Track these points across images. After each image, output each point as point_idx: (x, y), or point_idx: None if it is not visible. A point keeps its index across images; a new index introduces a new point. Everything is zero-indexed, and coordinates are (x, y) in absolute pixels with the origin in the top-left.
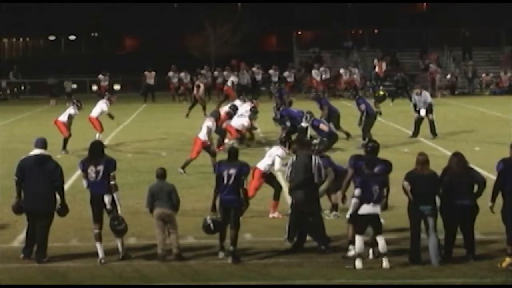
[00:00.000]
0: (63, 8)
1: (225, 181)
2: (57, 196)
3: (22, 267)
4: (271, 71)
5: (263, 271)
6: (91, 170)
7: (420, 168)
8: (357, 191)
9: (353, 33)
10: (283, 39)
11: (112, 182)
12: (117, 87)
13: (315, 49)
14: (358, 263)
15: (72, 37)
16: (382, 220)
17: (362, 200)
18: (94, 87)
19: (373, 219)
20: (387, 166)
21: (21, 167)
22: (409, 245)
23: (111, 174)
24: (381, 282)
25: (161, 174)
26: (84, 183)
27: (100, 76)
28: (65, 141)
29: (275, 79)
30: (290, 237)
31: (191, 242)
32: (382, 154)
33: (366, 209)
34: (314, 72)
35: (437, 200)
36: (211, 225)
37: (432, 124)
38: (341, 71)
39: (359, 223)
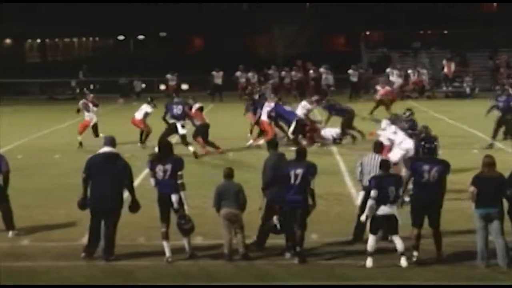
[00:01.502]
0: (132, 8)
1: (292, 181)
2: (125, 194)
3: (89, 265)
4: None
5: (329, 271)
6: (159, 169)
7: (487, 170)
8: (373, 193)
9: (421, 34)
10: (350, 39)
11: (179, 181)
12: (185, 86)
13: (383, 50)
14: (369, 262)
15: (140, 37)
16: (399, 220)
17: (379, 201)
18: (162, 87)
19: (389, 219)
20: (445, 166)
21: (90, 164)
22: (461, 247)
23: (179, 173)
24: (447, 283)
25: (228, 173)
26: (152, 182)
27: (168, 76)
28: (147, 135)
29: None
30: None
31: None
32: (455, 156)
33: (383, 210)
34: (395, 72)
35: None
36: (278, 225)
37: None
38: (409, 71)
39: (375, 223)
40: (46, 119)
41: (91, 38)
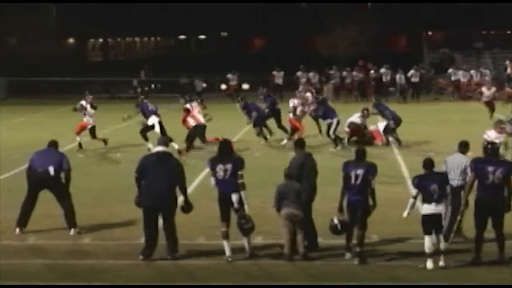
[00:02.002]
0: (193, 8)
1: (353, 181)
2: (176, 193)
3: (148, 264)
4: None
5: (389, 273)
6: (219, 169)
7: None
8: (413, 191)
9: (484, 34)
10: (412, 40)
11: (239, 181)
12: (245, 86)
13: (445, 50)
14: (429, 264)
15: (201, 37)
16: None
17: (423, 200)
18: (223, 86)
19: (434, 218)
20: (510, 167)
21: (143, 164)
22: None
23: (239, 173)
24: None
25: (289, 173)
26: (212, 181)
27: (229, 75)
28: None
29: (315, 80)
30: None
31: (318, 242)
32: None
33: (427, 209)
34: (460, 73)
35: None
36: (338, 225)
37: None
38: (472, 72)
39: (425, 223)
40: (108, 118)
41: (152, 38)
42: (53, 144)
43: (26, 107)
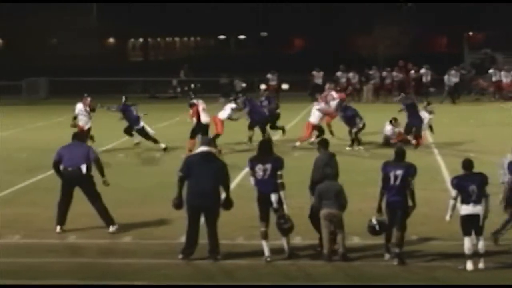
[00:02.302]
0: (233, 7)
1: (392, 181)
2: (220, 194)
3: (187, 264)
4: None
5: (429, 274)
6: (259, 169)
7: None
8: (453, 192)
9: None
10: (453, 40)
11: (279, 181)
12: (285, 86)
13: (486, 51)
14: (469, 265)
15: (241, 37)
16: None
17: (462, 201)
18: (263, 86)
19: (474, 219)
20: None
21: (188, 164)
22: None
23: (278, 172)
24: None
25: (329, 174)
26: (252, 181)
27: (269, 75)
28: (216, 137)
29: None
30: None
31: (356, 243)
32: None
33: (466, 209)
34: (502, 73)
35: None
36: (376, 226)
37: None
38: None
39: (463, 224)
40: (148, 117)
41: (192, 38)
42: (77, 137)
43: (66, 107)
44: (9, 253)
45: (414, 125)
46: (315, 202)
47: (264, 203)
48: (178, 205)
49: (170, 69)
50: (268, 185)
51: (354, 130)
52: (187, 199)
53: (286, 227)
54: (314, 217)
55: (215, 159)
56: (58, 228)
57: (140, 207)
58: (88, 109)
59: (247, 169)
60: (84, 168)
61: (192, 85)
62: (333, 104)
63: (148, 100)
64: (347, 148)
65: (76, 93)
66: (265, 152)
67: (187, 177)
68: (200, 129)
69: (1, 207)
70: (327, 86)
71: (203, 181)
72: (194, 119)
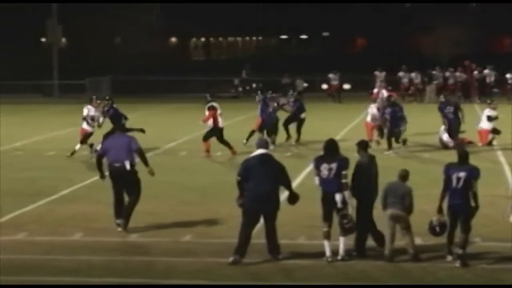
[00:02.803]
0: (296, 7)
1: (454, 184)
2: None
3: (248, 263)
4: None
5: (491, 276)
6: (324, 168)
7: None
8: None
9: None
10: None
11: (343, 181)
12: (347, 86)
13: None
14: None
15: (303, 36)
16: None
17: None
18: (324, 86)
19: None
20: None
21: (245, 167)
22: None
23: (343, 172)
24: None
25: (402, 175)
26: (316, 180)
27: (331, 75)
28: (252, 133)
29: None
30: None
31: (419, 244)
32: None
33: None
34: None
35: None
36: (437, 227)
37: None
38: None
39: None
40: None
41: (254, 37)
42: (120, 128)
43: (129, 105)
44: (70, 251)
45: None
46: (381, 200)
47: (328, 202)
48: (242, 205)
49: (232, 68)
50: (332, 185)
51: (396, 130)
52: (245, 202)
53: (348, 227)
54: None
55: (273, 160)
56: (117, 220)
57: (199, 205)
58: (94, 110)
59: (308, 169)
60: (127, 165)
61: (254, 85)
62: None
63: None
64: (386, 153)
65: (138, 92)
66: (331, 152)
67: (245, 180)
68: (215, 132)
69: (62, 205)
70: (377, 84)
71: (262, 184)
72: (210, 122)
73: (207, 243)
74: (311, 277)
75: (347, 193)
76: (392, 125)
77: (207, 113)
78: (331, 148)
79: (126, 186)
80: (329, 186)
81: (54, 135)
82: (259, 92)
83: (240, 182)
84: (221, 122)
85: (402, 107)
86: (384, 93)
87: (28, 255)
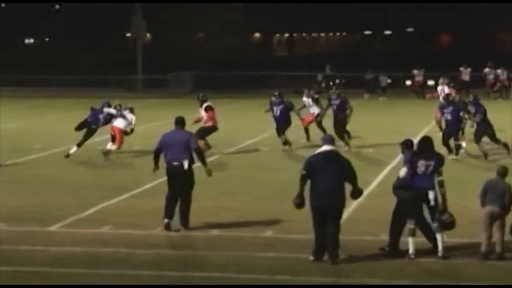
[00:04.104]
0: (379, 3)
1: None
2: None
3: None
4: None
5: None
6: (421, 164)
7: None
8: None
9: None
10: None
11: (439, 178)
12: (430, 82)
13: None
14: None
15: (387, 32)
16: None
17: None
18: (408, 82)
19: None
20: None
21: (311, 162)
22: None
23: (440, 169)
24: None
25: (502, 172)
26: (401, 172)
27: (415, 71)
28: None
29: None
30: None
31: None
32: None
33: None
34: None
35: None
36: None
37: None
38: None
39: None
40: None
41: (338, 33)
42: (180, 122)
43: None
44: (151, 244)
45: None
46: (480, 196)
47: (419, 199)
48: (300, 204)
49: (315, 64)
50: (428, 181)
51: (463, 126)
52: (310, 200)
53: (449, 221)
54: (397, 216)
55: (339, 157)
56: (166, 220)
57: (280, 202)
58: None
59: (390, 167)
60: (186, 164)
61: (337, 81)
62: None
63: (293, 95)
64: (452, 158)
65: (220, 87)
66: (428, 149)
67: (310, 176)
68: (211, 132)
69: (145, 199)
70: (440, 81)
71: (327, 180)
72: (209, 123)
73: (288, 239)
74: (393, 276)
75: (443, 190)
76: (452, 125)
77: (204, 113)
78: (428, 145)
79: (181, 186)
80: (424, 182)
81: (136, 130)
82: (277, 94)
83: (305, 176)
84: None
85: (482, 106)
86: (446, 90)
87: (110, 248)
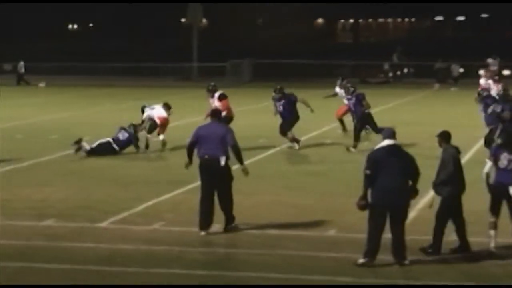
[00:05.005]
0: None
1: None
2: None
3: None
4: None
5: None
6: (504, 157)
7: None
8: None
9: None
10: None
11: None
12: (506, 72)
13: None
14: None
15: (460, 18)
16: None
17: None
18: (482, 72)
19: None
20: None
21: (374, 159)
22: None
23: None
24: None
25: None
26: (486, 168)
27: (489, 60)
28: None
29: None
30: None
31: None
32: None
33: None
34: None
35: None
36: None
37: None
38: None
39: None
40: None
41: (406, 19)
42: (216, 115)
43: (268, 91)
44: (208, 243)
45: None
46: None
47: (499, 193)
48: (364, 206)
49: (381, 52)
50: (509, 176)
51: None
52: (374, 198)
53: None
54: (442, 216)
55: (403, 152)
56: (202, 233)
57: (344, 198)
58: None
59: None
60: (223, 160)
61: (405, 70)
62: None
63: (358, 85)
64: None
65: (280, 76)
66: None
67: (375, 174)
68: (229, 122)
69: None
70: (483, 73)
71: (393, 177)
72: (224, 113)
73: (352, 238)
74: (462, 277)
75: None
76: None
77: (218, 103)
78: None
79: (219, 183)
80: (505, 177)
81: (192, 121)
82: (278, 88)
83: (370, 176)
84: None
85: None
86: (491, 84)
87: (163, 246)
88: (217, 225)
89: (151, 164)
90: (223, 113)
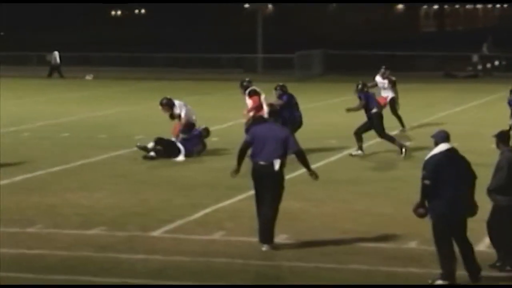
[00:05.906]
0: None
1: None
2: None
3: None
4: None
5: None
6: None
7: None
8: None
9: None
10: None
11: None
12: None
13: None
14: None
15: None
16: None
17: None
18: None
19: None
20: None
21: (434, 167)
22: None
23: None
24: None
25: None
26: None
27: None
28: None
29: None
30: None
31: None
32: None
33: None
34: None
35: None
36: None
37: None
38: None
39: None
40: (440, 99)
41: (498, 5)
42: (274, 115)
43: (342, 86)
44: (272, 255)
45: None
46: None
47: None
48: (423, 214)
49: (470, 42)
50: None
51: None
52: (435, 208)
53: None
54: (495, 224)
55: (461, 156)
56: (264, 247)
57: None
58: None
59: None
60: (277, 164)
61: (496, 62)
62: None
63: (442, 79)
64: None
65: (355, 69)
66: None
67: (435, 184)
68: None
69: None
70: None
71: (456, 186)
72: (251, 113)
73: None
74: None
75: None
76: None
77: (249, 101)
78: None
79: (268, 190)
80: None
81: None
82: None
83: (429, 186)
84: (266, 110)
85: None
86: None
87: (223, 258)
88: (284, 236)
89: (211, 166)
90: (250, 114)
